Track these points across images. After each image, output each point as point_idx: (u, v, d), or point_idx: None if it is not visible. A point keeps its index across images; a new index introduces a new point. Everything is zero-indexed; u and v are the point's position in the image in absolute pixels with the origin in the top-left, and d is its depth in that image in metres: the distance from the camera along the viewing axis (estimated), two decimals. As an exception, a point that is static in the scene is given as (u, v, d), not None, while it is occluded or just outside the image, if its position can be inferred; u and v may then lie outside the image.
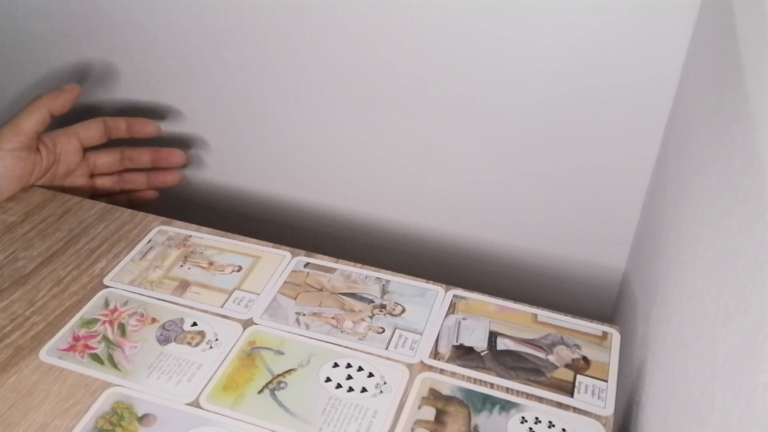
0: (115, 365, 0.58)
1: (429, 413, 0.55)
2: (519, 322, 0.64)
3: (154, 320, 0.63)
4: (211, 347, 0.60)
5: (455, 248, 0.86)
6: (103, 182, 0.84)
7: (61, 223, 0.74)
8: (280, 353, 0.60)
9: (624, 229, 0.77)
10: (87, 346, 0.60)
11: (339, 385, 0.57)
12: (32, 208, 0.76)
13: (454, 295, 0.67)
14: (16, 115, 0.74)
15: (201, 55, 0.82)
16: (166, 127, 0.89)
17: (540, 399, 0.56)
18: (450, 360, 0.60)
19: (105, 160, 0.83)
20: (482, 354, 0.61)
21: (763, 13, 0.38)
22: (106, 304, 0.64)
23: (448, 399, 0.56)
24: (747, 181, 0.35)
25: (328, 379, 0.58)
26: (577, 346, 0.61)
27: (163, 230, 0.74)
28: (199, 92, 0.85)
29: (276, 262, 0.70)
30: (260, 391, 0.57)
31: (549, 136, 0.74)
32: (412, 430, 0.54)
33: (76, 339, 0.61)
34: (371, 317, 0.64)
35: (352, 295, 0.66)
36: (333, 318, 0.64)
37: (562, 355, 0.61)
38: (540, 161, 0.75)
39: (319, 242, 0.93)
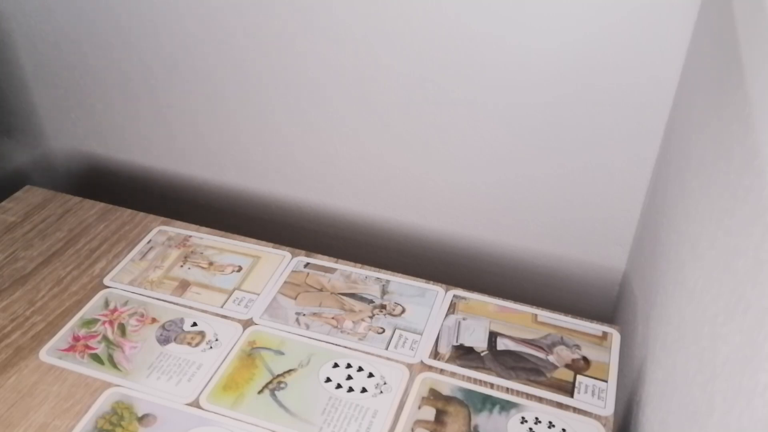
0: (115, 365, 0.58)
1: (429, 413, 0.55)
2: (519, 322, 0.64)
3: (154, 320, 0.63)
4: (211, 347, 0.60)
5: (455, 248, 0.86)
6: None
7: (61, 223, 0.74)
8: (280, 353, 0.60)
9: (624, 229, 0.77)
10: (87, 346, 0.60)
11: (339, 385, 0.57)
12: (32, 208, 0.76)
13: (454, 295, 0.67)
14: None
15: (201, 55, 0.82)
16: (166, 128, 0.89)
17: (540, 399, 0.56)
18: (450, 360, 0.60)
19: None
20: (482, 354, 0.61)
21: (763, 13, 0.38)
22: (106, 304, 0.64)
23: (448, 399, 0.56)
24: (747, 181, 0.35)
25: (328, 379, 0.58)
26: (577, 346, 0.61)
27: (163, 230, 0.74)
28: (199, 92, 0.85)
29: (276, 262, 0.70)
30: (260, 391, 0.57)
31: (549, 137, 0.74)
32: (412, 430, 0.54)
33: (76, 339, 0.61)
34: (371, 317, 0.64)
35: (352, 296, 0.66)
36: (333, 318, 0.64)
37: (562, 355, 0.61)
38: (540, 162, 0.75)
39: (319, 242, 0.93)
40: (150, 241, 0.72)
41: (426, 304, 0.65)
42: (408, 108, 0.77)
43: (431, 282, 0.68)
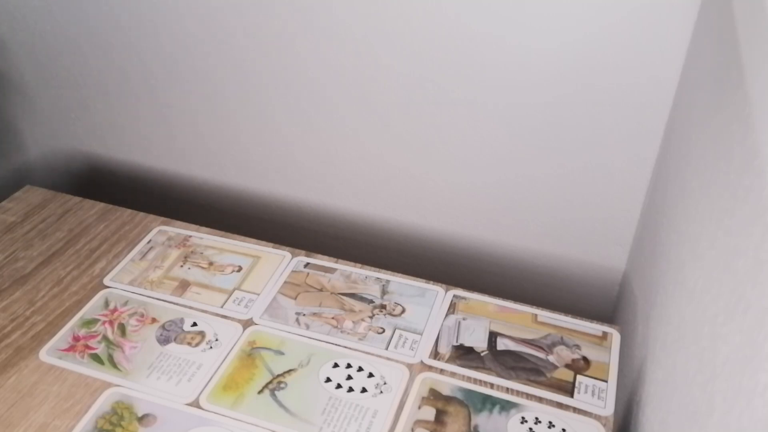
0: (115, 365, 0.58)
1: (429, 413, 0.55)
2: (519, 322, 0.64)
3: (154, 320, 0.63)
4: (211, 347, 0.60)
5: (455, 248, 0.86)
6: None
7: (61, 223, 0.74)
8: (280, 353, 0.60)
9: (624, 229, 0.77)
10: (87, 346, 0.60)
11: (339, 385, 0.57)
12: (32, 208, 0.76)
13: (454, 295, 0.67)
14: None
15: (201, 55, 0.82)
16: (166, 128, 0.89)
17: (540, 399, 0.56)
18: (450, 360, 0.60)
19: None
20: (482, 354, 0.61)
21: (763, 13, 0.38)
22: (106, 304, 0.64)
23: (448, 399, 0.56)
24: (747, 181, 0.35)
25: (328, 379, 0.58)
26: (577, 346, 0.61)
27: (163, 230, 0.74)
28: (199, 92, 0.85)
29: (276, 262, 0.70)
30: (260, 391, 0.57)
31: (550, 137, 0.74)
32: (412, 430, 0.54)
33: (76, 339, 0.61)
34: (371, 317, 0.64)
35: (352, 296, 0.66)
36: (333, 318, 0.64)
37: (562, 355, 0.61)
38: (541, 162, 0.75)
39: (319, 242, 0.93)
40: (150, 241, 0.72)
41: (426, 304, 0.65)
42: (408, 108, 0.77)
43: (431, 282, 0.68)
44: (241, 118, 0.85)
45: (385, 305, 0.65)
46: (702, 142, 0.49)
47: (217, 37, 0.80)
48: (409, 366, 0.59)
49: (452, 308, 0.65)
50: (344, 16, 0.73)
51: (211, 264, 0.69)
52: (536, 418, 0.55)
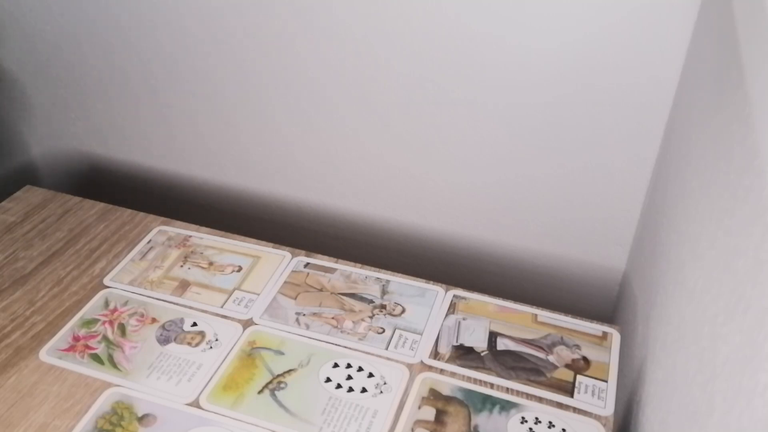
0: (115, 365, 0.58)
1: (429, 413, 0.55)
2: (519, 322, 0.64)
3: (154, 320, 0.63)
4: (211, 347, 0.60)
5: (455, 248, 0.86)
6: None
7: (61, 223, 0.74)
8: (280, 353, 0.60)
9: (624, 229, 0.77)
10: (87, 346, 0.60)
11: (339, 385, 0.57)
12: (32, 208, 0.76)
13: (454, 295, 0.67)
14: None
15: (201, 55, 0.82)
16: (166, 128, 0.89)
17: (540, 399, 0.56)
18: (450, 360, 0.60)
19: None
20: (482, 354, 0.61)
21: (763, 13, 0.38)
22: (106, 304, 0.64)
23: (448, 399, 0.56)
24: (747, 181, 0.35)
25: (328, 379, 0.58)
26: (577, 346, 0.61)
27: (163, 230, 0.74)
28: (199, 92, 0.85)
29: (276, 262, 0.70)
30: (260, 391, 0.57)
31: (550, 137, 0.74)
32: (412, 430, 0.54)
33: (76, 339, 0.61)
34: (371, 317, 0.64)
35: (352, 296, 0.66)
36: (333, 318, 0.64)
37: (562, 355, 0.61)
38: (540, 162, 0.75)
39: (319, 242, 0.93)
40: (150, 241, 0.72)
41: (426, 304, 0.65)
42: (408, 108, 0.77)
43: (431, 282, 0.68)
44: (241, 118, 0.85)
45: (385, 305, 0.65)
46: (702, 142, 0.49)
47: (217, 37, 0.80)
48: (409, 366, 0.59)
49: (452, 308, 0.65)
50: (344, 16, 0.73)
51: (211, 264, 0.69)
52: (536, 418, 0.55)
